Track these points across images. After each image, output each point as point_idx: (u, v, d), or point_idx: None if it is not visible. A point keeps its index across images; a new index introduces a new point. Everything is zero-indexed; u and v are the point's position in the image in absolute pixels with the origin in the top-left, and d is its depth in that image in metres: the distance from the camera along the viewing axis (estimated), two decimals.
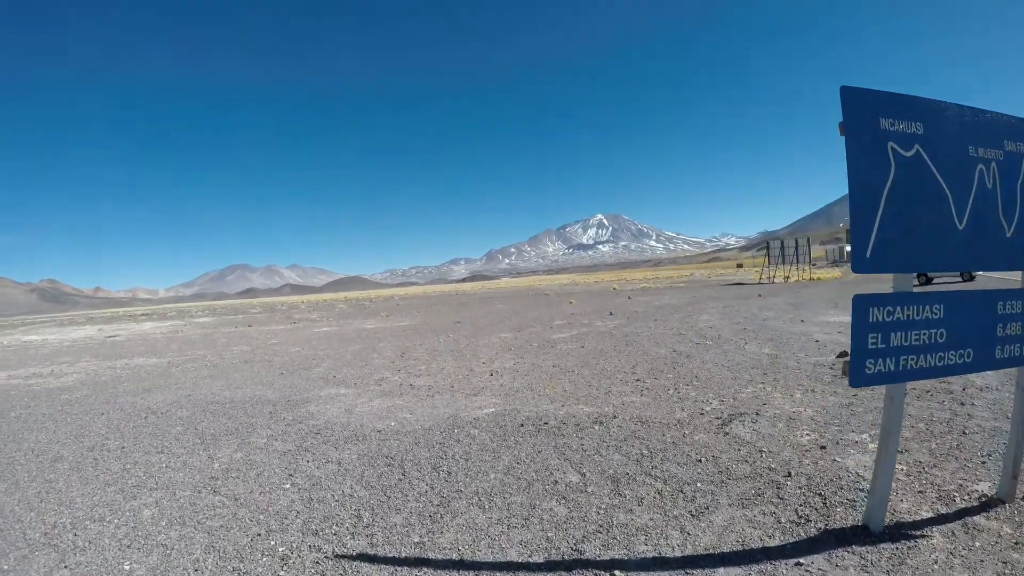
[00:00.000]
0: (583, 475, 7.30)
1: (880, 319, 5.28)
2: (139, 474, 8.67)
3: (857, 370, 5.13)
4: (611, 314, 31.87)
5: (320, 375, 16.91)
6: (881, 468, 5.33)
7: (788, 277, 65.09)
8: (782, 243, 68.07)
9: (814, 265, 67.24)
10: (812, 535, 5.43)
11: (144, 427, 11.78)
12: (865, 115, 5.16)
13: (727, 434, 8.57)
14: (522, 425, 9.75)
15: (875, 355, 5.19)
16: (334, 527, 6.30)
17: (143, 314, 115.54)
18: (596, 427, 9.36)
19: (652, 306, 36.37)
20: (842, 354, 13.95)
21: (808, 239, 65.89)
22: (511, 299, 65.15)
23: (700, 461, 7.51)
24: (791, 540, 5.38)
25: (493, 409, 11.12)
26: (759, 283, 61.12)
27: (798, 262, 66.07)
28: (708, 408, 10.20)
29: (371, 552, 5.69)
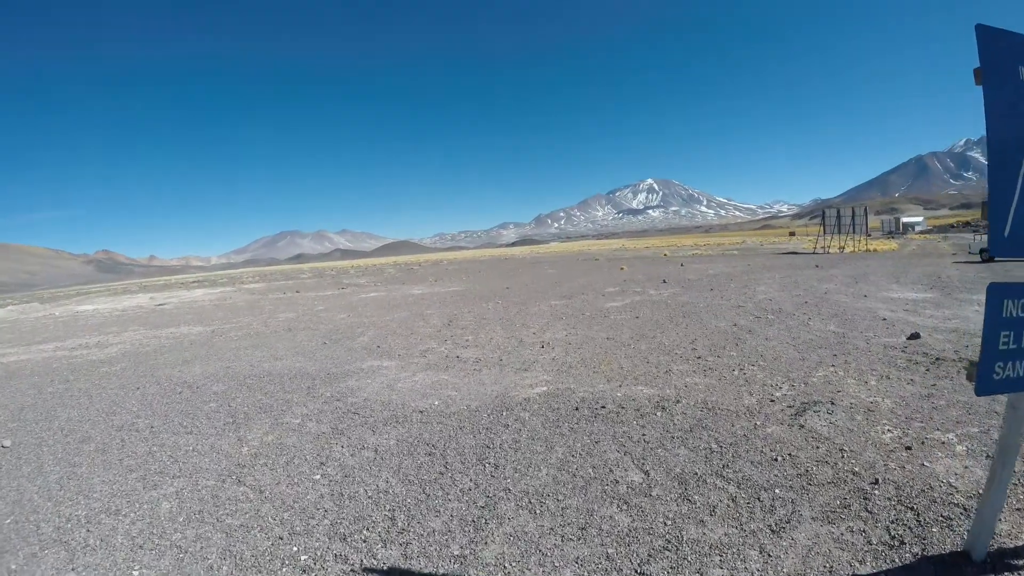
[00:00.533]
0: (646, 474, 6.49)
1: (1016, 314, 4.25)
2: (163, 459, 8.21)
3: (985, 375, 4.20)
4: (664, 282, 30.77)
5: (363, 345, 16.33)
6: (993, 491, 4.45)
7: (843, 247, 62.50)
8: (838, 212, 64.88)
9: (869, 236, 64.48)
10: (908, 561, 4.64)
11: (177, 403, 11.42)
12: (1008, 61, 4.18)
13: (802, 427, 7.67)
14: (577, 408, 8.93)
15: (1007, 357, 4.23)
16: (365, 531, 5.63)
17: (194, 281, 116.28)
18: (658, 413, 8.51)
19: (706, 274, 35.05)
20: (913, 336, 12.94)
21: (865, 208, 62.89)
22: (561, 264, 64.19)
23: (776, 461, 6.64)
24: (885, 567, 4.59)
25: (545, 388, 10.31)
26: (813, 253, 59.23)
27: (854, 232, 63.41)
28: (778, 394, 9.28)
29: (404, 566, 4.99)
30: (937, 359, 10.78)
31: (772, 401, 8.89)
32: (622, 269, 45.60)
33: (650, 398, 9.33)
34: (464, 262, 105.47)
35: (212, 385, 12.76)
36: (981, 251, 38.04)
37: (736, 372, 10.73)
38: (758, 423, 7.93)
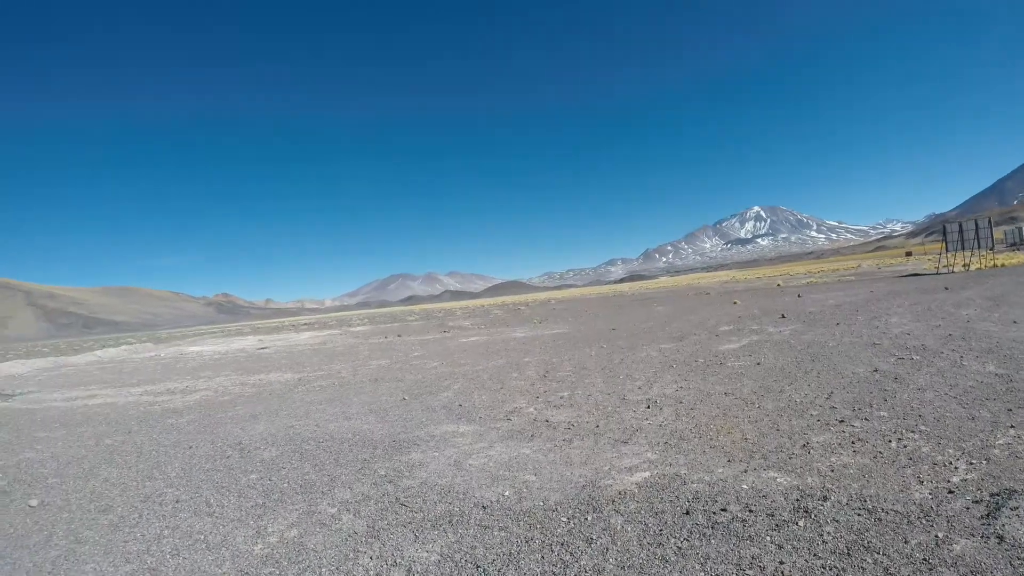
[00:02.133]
0: None
1: None
2: (165, 550, 6.99)
3: None
4: (783, 316, 27.92)
5: (445, 402, 14.40)
6: None
7: (967, 265, 58.73)
8: (960, 226, 60.54)
9: (994, 250, 59.87)
10: None
11: (217, 472, 10.13)
12: None
13: (1001, 539, 5.32)
14: (687, 512, 6.59)
15: None
16: None
17: (304, 324, 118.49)
18: (801, 522, 6.10)
19: (827, 305, 32.18)
20: None
21: (990, 220, 57.63)
22: (670, 300, 61.22)
23: None
24: None
25: (647, 473, 7.98)
26: (936, 273, 55.67)
27: (979, 247, 58.47)
28: (956, 479, 6.85)
29: None
30: None
31: (950, 492, 6.45)
32: (735, 303, 42.43)
33: (787, 492, 6.92)
34: (571, 301, 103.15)
35: (264, 450, 11.24)
36: None
37: (893, 443, 8.25)
38: (940, 535, 5.55)
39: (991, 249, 58.63)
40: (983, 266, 56.80)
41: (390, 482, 8.50)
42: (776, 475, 7.46)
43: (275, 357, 34.27)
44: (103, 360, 46.77)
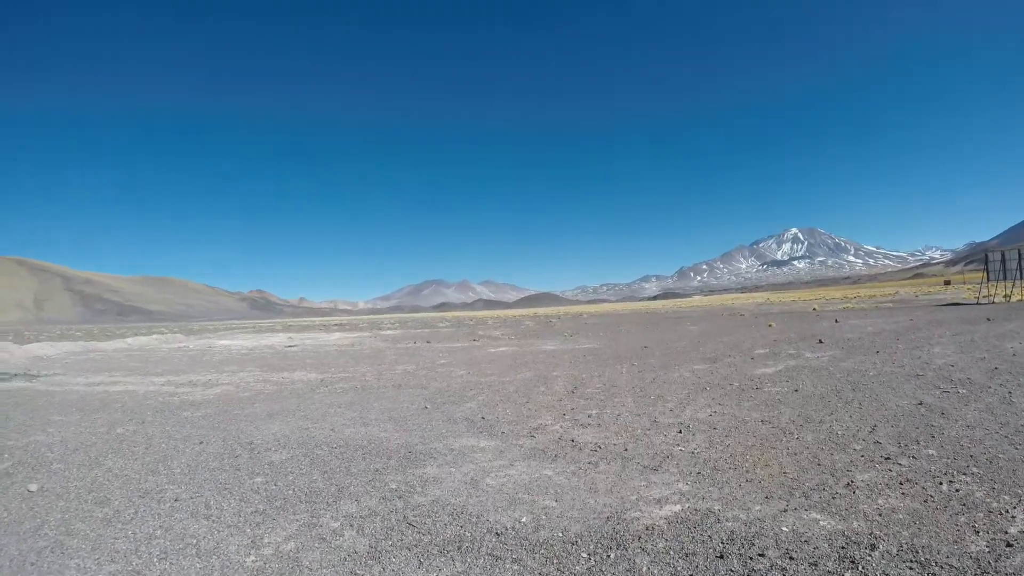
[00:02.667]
0: None
1: None
2: (153, 551, 6.66)
3: None
4: (821, 342, 26.97)
5: (467, 414, 13.78)
6: None
7: (1009, 296, 57.78)
8: (1003, 255, 58.81)
9: None
10: None
11: (223, 471, 9.71)
12: None
13: None
14: (722, 556, 5.92)
15: None
16: None
17: (335, 325, 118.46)
18: (847, 574, 5.52)
19: (865, 332, 31.23)
20: None
21: None
22: (704, 319, 60.27)
23: None
24: None
25: (678, 506, 7.28)
26: (977, 303, 54.70)
27: (1021, 277, 56.46)
28: (1014, 529, 6.19)
29: None
30: None
31: (1009, 545, 5.82)
32: (770, 326, 41.49)
33: (831, 537, 6.22)
34: (604, 315, 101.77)
35: (274, 452, 10.73)
36: None
37: (944, 485, 7.55)
38: None
39: None
40: None
41: (400, 497, 7.92)
42: (819, 516, 6.78)
43: (301, 356, 33.99)
44: (132, 348, 47.02)
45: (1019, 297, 56.30)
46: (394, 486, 8.43)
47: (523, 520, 6.93)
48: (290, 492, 8.33)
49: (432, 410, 14.45)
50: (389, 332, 67.65)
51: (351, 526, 6.95)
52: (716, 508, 7.15)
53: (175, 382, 22.37)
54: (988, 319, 34.64)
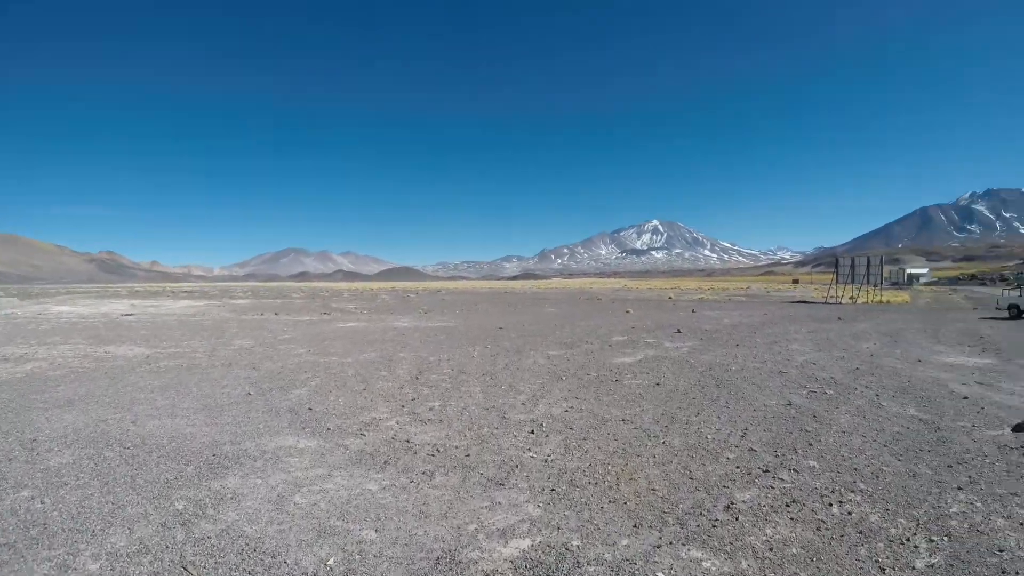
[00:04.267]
0: None
1: None
2: None
3: None
4: (679, 332, 26.91)
5: (294, 403, 12.14)
6: None
7: (855, 298, 61.45)
8: (852, 260, 63.30)
9: (880, 286, 63.21)
10: None
11: None
12: None
13: None
14: None
15: None
16: None
17: (185, 291, 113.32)
18: None
19: (723, 324, 31.72)
20: (1019, 427, 10.39)
21: (882, 258, 60.91)
22: (563, 302, 60.35)
23: None
24: None
25: (526, 541, 5.90)
26: (825, 302, 58.37)
27: (868, 282, 61.32)
28: (920, 563, 5.48)
29: None
30: None
31: None
32: (628, 312, 41.72)
33: None
34: (462, 293, 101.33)
35: (56, 454, 8.83)
36: (1010, 307, 38.70)
37: (835, 507, 6.77)
38: None
39: (876, 286, 60.75)
40: (869, 300, 59.29)
41: (185, 524, 6.22)
42: (700, 554, 5.66)
43: (136, 327, 31.36)
44: None
45: (864, 300, 59.75)
46: (181, 506, 6.74)
47: (329, 563, 5.39)
48: (55, 515, 6.54)
49: (255, 397, 12.77)
50: (239, 302, 65.00)
51: (111, 571, 5.33)
52: (574, 543, 5.87)
53: None
54: (839, 318, 36.10)
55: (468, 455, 8.60)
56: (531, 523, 6.29)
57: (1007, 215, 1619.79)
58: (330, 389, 13.53)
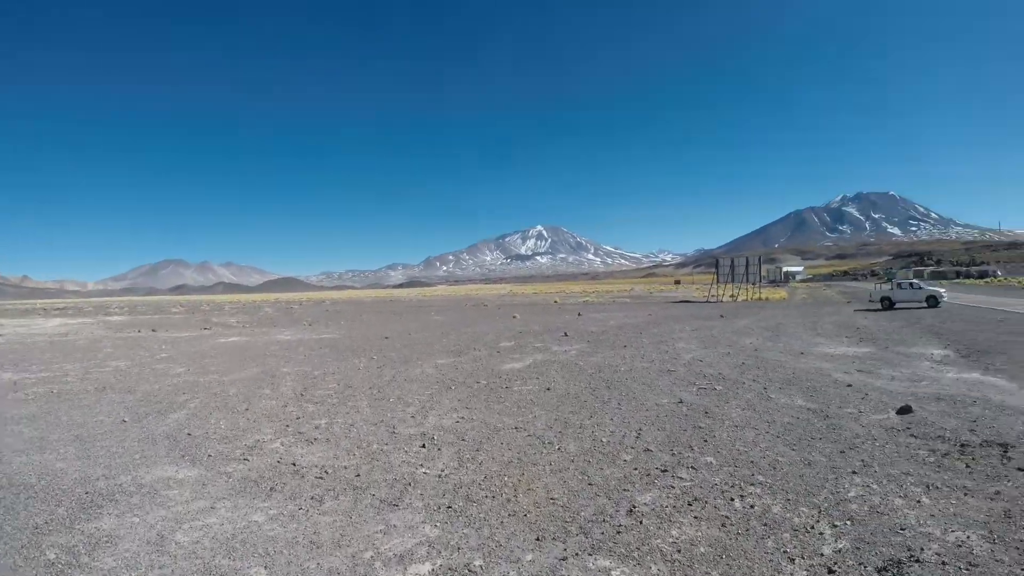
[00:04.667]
0: None
1: None
2: None
3: None
4: (566, 335, 27.11)
5: (172, 428, 11.35)
6: None
7: (735, 296, 64.48)
8: (732, 261, 66.97)
9: (758, 284, 67.05)
10: None
11: None
12: None
13: None
14: None
15: None
16: None
17: (58, 309, 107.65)
18: None
19: (608, 325, 32.17)
20: (903, 410, 11.11)
21: (759, 258, 64.68)
22: (449, 309, 60.16)
23: None
24: None
25: (427, 567, 5.56)
26: (707, 301, 60.79)
27: (747, 281, 64.76)
28: (827, 549, 5.61)
29: None
30: (962, 444, 9.01)
31: (831, 572, 5.21)
32: (515, 318, 41.89)
33: None
34: (347, 303, 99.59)
35: None
36: (882, 299, 43.12)
37: (736, 502, 6.83)
38: None
39: (755, 284, 63.75)
40: (749, 298, 62.89)
41: None
42: (608, 563, 5.54)
43: (2, 349, 29.18)
44: None
45: (744, 298, 63.23)
46: (53, 555, 6.10)
47: None
48: None
49: (131, 424, 11.89)
50: (115, 318, 62.04)
51: None
52: (477, 563, 5.64)
53: None
54: (722, 316, 37.57)
55: (358, 475, 8.23)
56: (430, 545, 6.02)
57: (876, 216, 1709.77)
58: (210, 411, 12.80)
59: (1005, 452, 8.58)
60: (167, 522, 6.83)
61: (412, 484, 7.80)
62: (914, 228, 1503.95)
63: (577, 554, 5.71)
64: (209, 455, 9.50)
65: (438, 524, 6.52)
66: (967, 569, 5.31)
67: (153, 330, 40.73)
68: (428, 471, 8.33)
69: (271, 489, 7.80)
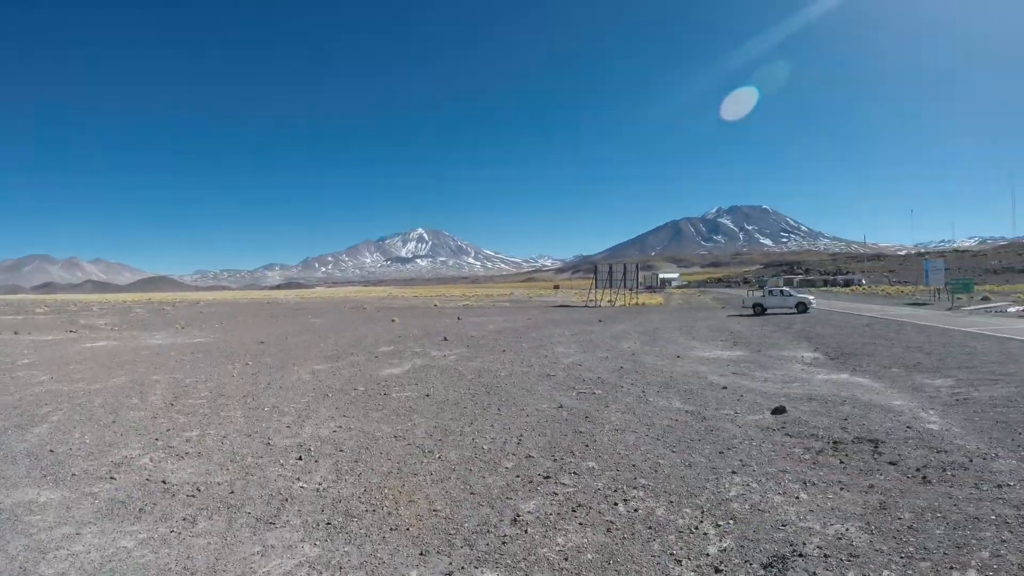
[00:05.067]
0: None
1: None
2: None
3: None
4: (445, 339, 27.12)
5: (33, 445, 10.55)
6: None
7: (613, 301, 66.00)
8: (610, 267, 69.84)
9: (636, 290, 69.44)
10: None
11: None
12: None
13: None
14: None
15: None
16: None
17: None
18: None
19: (488, 330, 32.40)
20: (777, 410, 11.58)
21: (637, 265, 67.69)
22: (327, 312, 59.24)
23: None
24: None
25: None
26: (585, 306, 62.05)
27: (625, 287, 66.88)
28: (712, 549, 5.79)
29: None
30: (835, 441, 9.53)
31: (717, 572, 5.34)
32: (394, 321, 41.55)
33: None
34: (222, 304, 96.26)
35: None
36: (754, 305, 45.38)
37: (620, 506, 6.93)
38: None
39: (633, 290, 65.98)
40: (626, 304, 64.39)
41: None
42: (490, 573, 5.53)
43: None
44: None
45: (622, 303, 64.71)
46: None
47: None
48: None
49: None
50: None
51: None
52: None
53: None
54: (600, 321, 38.41)
55: (232, 492, 7.91)
56: (310, 566, 5.82)
57: (749, 227, 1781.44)
58: (75, 424, 12.01)
59: (876, 448, 9.14)
60: (29, 552, 6.29)
61: (289, 499, 7.57)
62: (785, 239, 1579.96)
63: (463, 567, 5.66)
64: (74, 474, 8.88)
65: (317, 542, 6.33)
66: (848, 560, 5.57)
67: (15, 332, 38.34)
68: (305, 485, 8.10)
69: (140, 511, 7.35)
